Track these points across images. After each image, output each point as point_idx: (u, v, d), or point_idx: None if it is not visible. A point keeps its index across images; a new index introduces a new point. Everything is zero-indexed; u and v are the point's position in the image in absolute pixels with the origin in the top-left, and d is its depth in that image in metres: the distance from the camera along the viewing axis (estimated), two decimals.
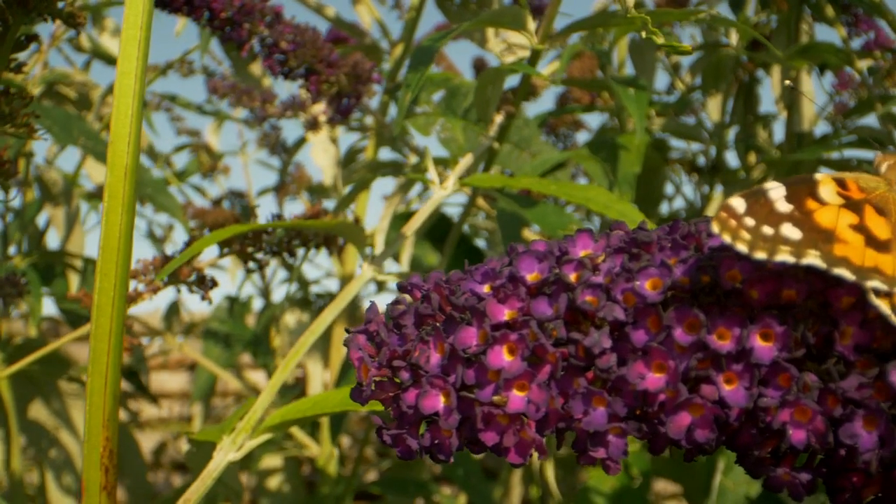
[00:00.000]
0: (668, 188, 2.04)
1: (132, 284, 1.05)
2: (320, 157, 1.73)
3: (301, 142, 2.14)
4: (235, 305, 2.18)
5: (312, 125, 1.48)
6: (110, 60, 1.90)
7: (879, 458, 0.48)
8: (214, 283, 1.09)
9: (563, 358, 0.51)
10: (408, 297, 0.58)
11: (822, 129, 2.58)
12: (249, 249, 1.11)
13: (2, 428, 1.56)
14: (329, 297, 2.10)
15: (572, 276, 0.52)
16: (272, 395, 0.87)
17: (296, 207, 3.86)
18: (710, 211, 1.74)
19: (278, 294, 6.38)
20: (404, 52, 1.60)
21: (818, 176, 0.53)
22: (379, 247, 1.06)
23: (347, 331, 0.58)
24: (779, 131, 2.90)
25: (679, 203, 3.45)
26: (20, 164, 1.68)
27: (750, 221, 0.49)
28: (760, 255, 0.48)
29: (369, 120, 1.71)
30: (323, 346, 1.83)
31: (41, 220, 1.82)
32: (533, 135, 1.29)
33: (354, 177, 1.63)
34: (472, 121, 1.25)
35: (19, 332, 2.07)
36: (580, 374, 0.51)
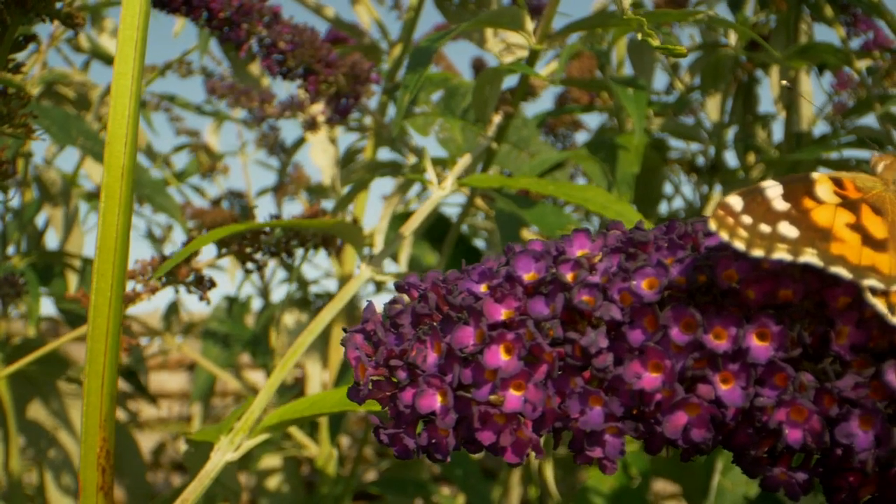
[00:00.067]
0: (667, 188, 2.04)
1: (130, 285, 1.05)
2: (319, 157, 1.73)
3: (300, 142, 2.14)
4: (234, 305, 2.18)
5: (311, 125, 1.48)
6: (109, 60, 1.90)
7: (876, 457, 0.48)
8: (213, 284, 1.09)
9: (559, 357, 0.51)
10: (405, 297, 0.58)
11: (821, 129, 2.58)
12: (248, 249, 1.11)
13: (0, 428, 1.56)
14: (328, 298, 2.10)
15: (569, 276, 0.52)
16: (270, 395, 0.87)
17: (294, 208, 3.87)
18: (709, 211, 1.74)
19: (277, 294, 6.38)
20: (403, 53, 1.60)
21: (815, 175, 0.53)
22: (377, 247, 1.06)
23: (345, 330, 0.58)
24: (778, 131, 2.90)
25: (678, 203, 3.44)
26: (19, 164, 1.68)
27: (747, 219, 0.49)
28: (758, 252, 0.48)
29: (368, 120, 1.71)
30: (322, 345, 1.83)
31: (40, 220, 1.82)
32: (531, 135, 1.29)
33: (353, 177, 1.63)
34: (471, 121, 1.24)
35: (18, 332, 2.07)
36: (577, 374, 0.51)
